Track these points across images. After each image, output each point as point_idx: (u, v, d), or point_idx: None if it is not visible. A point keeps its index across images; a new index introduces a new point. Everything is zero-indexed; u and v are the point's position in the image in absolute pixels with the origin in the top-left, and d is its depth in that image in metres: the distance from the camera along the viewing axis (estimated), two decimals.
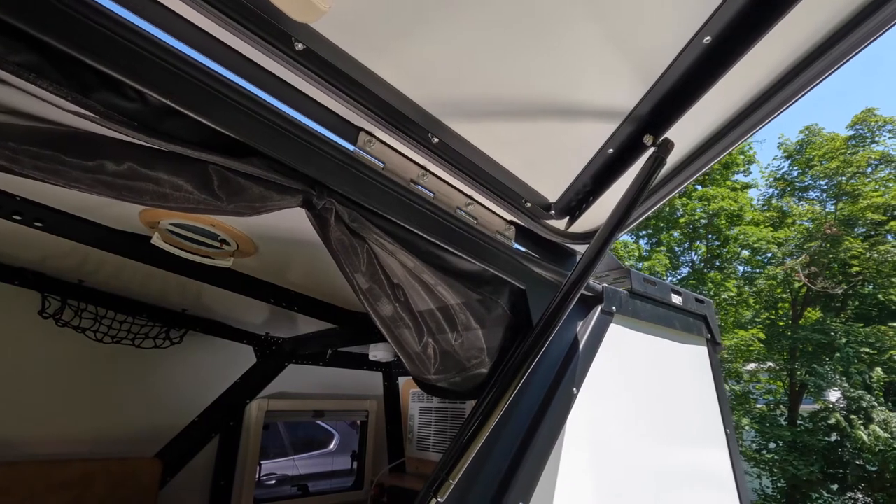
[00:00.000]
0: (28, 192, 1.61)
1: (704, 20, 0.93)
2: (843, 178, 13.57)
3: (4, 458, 2.29)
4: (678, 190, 1.40)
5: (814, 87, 1.04)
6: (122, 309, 2.66)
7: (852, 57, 1.00)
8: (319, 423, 5.28)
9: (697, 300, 2.33)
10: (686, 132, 1.19)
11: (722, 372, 2.46)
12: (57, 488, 2.36)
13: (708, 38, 0.95)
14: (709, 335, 2.36)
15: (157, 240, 1.74)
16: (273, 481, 4.11)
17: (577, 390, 1.61)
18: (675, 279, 16.43)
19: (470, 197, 1.50)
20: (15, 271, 2.32)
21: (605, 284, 1.87)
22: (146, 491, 2.65)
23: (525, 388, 1.46)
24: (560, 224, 1.66)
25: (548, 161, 1.43)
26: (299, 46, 0.96)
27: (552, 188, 1.53)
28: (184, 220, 1.68)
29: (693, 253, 16.63)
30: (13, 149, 0.78)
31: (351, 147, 1.22)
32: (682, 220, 15.86)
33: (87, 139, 0.85)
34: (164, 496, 2.76)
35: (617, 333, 1.85)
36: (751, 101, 1.09)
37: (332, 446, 5.30)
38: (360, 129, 1.23)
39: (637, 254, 16.74)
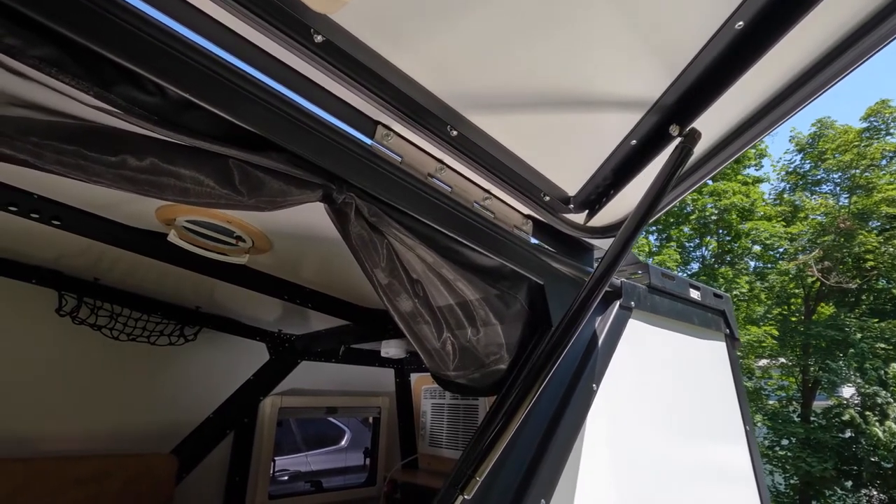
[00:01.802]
0: (45, 190, 1.61)
1: (737, 4, 0.90)
2: (857, 171, 13.37)
3: (23, 455, 2.31)
4: (702, 181, 1.38)
5: (848, 73, 1.01)
6: (137, 306, 2.67)
7: (888, 44, 0.96)
8: (331, 419, 5.30)
9: (716, 295, 2.29)
10: (713, 121, 1.16)
11: (740, 367, 2.43)
12: (75, 484, 2.38)
13: (741, 22, 0.92)
14: (727, 330, 2.33)
15: (173, 237, 1.74)
16: (286, 477, 4.13)
17: (597, 386, 1.59)
18: (684, 275, 16.30)
19: (487, 191, 1.48)
20: (32, 270, 2.34)
21: (623, 279, 1.85)
22: (162, 487, 2.67)
23: (546, 384, 1.45)
24: (579, 218, 1.64)
25: (568, 154, 1.41)
26: (318, 38, 0.95)
27: (571, 181, 1.51)
28: (199, 217, 1.67)
29: (704, 248, 16.49)
30: (36, 143, 0.77)
31: (369, 141, 1.20)
32: (692, 215, 15.72)
33: (109, 134, 0.84)
34: (181, 492, 2.78)
35: (635, 329, 1.83)
36: (783, 88, 1.05)
37: (344, 443, 5.31)
38: (378, 122, 1.21)
39: (647, 249, 16.62)
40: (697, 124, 1.11)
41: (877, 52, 0.95)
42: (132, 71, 0.82)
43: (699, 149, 1.18)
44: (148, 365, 2.80)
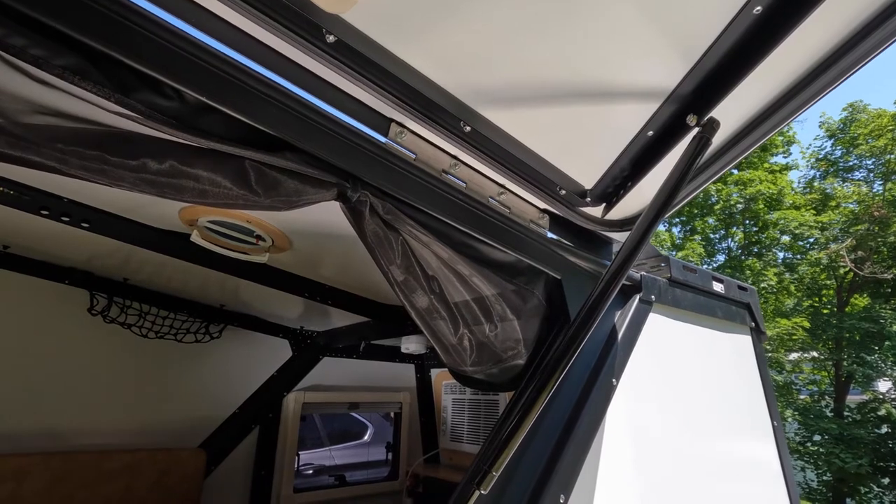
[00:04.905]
0: (75, 194, 1.67)
1: None
2: (892, 156, 12.82)
3: (61, 448, 2.42)
4: (723, 172, 1.34)
5: (874, 57, 0.97)
6: (164, 305, 2.76)
7: None
8: (353, 414, 5.37)
9: (740, 287, 2.24)
10: (732, 110, 1.13)
11: (767, 361, 2.36)
12: (109, 477, 2.48)
13: (759, 7, 0.89)
14: (753, 323, 2.27)
15: (195, 237, 1.79)
16: (311, 471, 4.20)
17: (617, 381, 1.57)
18: (710, 267, 15.91)
19: (503, 186, 1.47)
20: (65, 271, 2.43)
21: (644, 273, 1.82)
22: (191, 480, 2.75)
23: (564, 379, 1.44)
24: (596, 212, 1.61)
25: (583, 146, 1.39)
26: (330, 38, 0.96)
27: (588, 174, 1.49)
28: (221, 217, 1.71)
29: (730, 240, 16.06)
30: (61, 150, 0.80)
31: (382, 139, 1.21)
32: (717, 206, 15.32)
33: (130, 139, 0.87)
34: (209, 485, 2.86)
35: (656, 323, 1.80)
36: (805, 74, 1.02)
37: (366, 437, 5.38)
38: (392, 120, 1.22)
39: (670, 242, 16.30)
40: (716, 113, 1.08)
41: None
42: (151, 76, 0.84)
43: (718, 138, 1.15)
44: (175, 362, 2.89)
